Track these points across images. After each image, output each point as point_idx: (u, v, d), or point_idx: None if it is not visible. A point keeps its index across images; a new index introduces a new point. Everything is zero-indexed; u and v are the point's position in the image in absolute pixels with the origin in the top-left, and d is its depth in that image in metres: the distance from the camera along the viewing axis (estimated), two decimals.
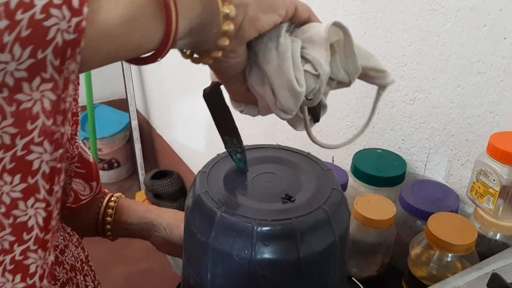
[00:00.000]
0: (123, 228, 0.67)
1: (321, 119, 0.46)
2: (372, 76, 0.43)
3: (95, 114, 2.10)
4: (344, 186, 0.73)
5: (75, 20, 0.25)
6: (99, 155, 2.24)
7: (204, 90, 0.44)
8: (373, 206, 0.63)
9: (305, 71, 0.38)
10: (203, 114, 1.61)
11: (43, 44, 0.25)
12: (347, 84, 0.42)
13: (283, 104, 0.40)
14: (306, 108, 0.43)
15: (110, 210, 0.67)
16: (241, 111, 0.45)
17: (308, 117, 0.45)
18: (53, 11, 0.24)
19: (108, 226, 0.67)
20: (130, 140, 2.30)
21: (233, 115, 0.47)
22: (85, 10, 0.25)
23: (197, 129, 1.72)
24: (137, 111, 2.20)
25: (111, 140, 2.26)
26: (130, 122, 2.18)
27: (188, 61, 0.37)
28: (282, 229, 0.42)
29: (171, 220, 0.65)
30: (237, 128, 0.48)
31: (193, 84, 1.62)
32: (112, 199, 0.68)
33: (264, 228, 0.42)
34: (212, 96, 0.45)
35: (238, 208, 0.44)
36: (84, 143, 2.25)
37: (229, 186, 0.48)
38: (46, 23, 0.24)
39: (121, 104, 2.32)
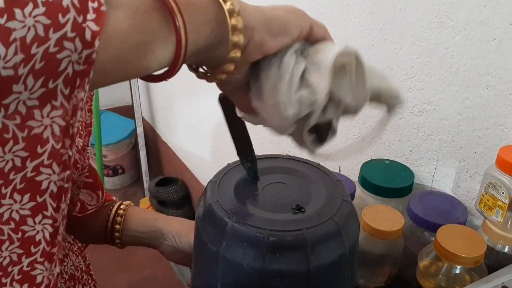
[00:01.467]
0: (132, 236, 0.67)
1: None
2: (384, 98, 0.42)
3: (101, 120, 2.11)
4: (352, 196, 0.73)
5: (86, 52, 0.26)
6: (104, 162, 2.24)
7: (220, 95, 0.45)
8: (381, 217, 0.63)
9: (301, 95, 0.37)
10: (208, 121, 1.62)
11: (55, 75, 0.26)
12: (353, 111, 0.41)
13: (272, 124, 0.40)
14: (305, 130, 0.42)
15: (119, 218, 0.67)
16: (242, 118, 0.45)
17: (308, 139, 0.43)
18: (66, 44, 0.25)
19: (117, 234, 0.67)
20: (135, 146, 2.31)
21: (245, 123, 0.47)
22: (97, 43, 0.26)
23: (202, 136, 1.73)
24: (142, 118, 2.21)
25: (116, 146, 2.26)
26: (135, 129, 2.19)
27: None
28: (293, 239, 0.42)
29: (180, 229, 0.66)
30: (249, 136, 0.49)
31: (199, 91, 1.62)
32: (121, 207, 0.69)
33: (275, 239, 0.42)
34: (226, 102, 0.45)
35: (249, 218, 0.44)
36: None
37: (240, 195, 0.48)
38: (59, 56, 0.25)
39: (127, 111, 2.33)
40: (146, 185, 2.22)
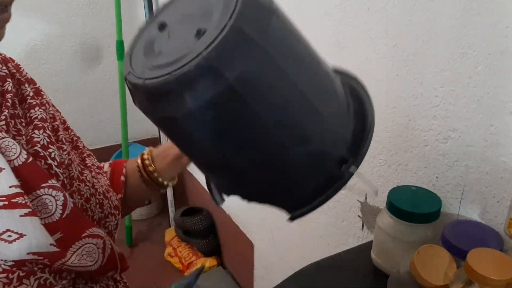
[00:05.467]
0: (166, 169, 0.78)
1: None
2: None
3: (129, 152, 2.17)
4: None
5: None
6: None
7: None
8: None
9: None
10: None
11: None
12: None
13: None
14: None
15: (147, 162, 0.77)
16: None
17: None
18: None
19: (155, 174, 0.77)
20: None
21: None
22: None
23: None
24: None
25: None
26: None
27: None
28: (197, 69, 0.39)
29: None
30: None
31: None
32: (145, 156, 0.78)
33: (184, 77, 0.39)
34: None
35: (156, 71, 0.42)
36: None
37: (148, 53, 0.46)
38: None
39: (154, 143, 2.40)
40: (171, 215, 2.25)
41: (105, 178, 0.75)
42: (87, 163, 0.70)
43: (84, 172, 0.65)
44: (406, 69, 0.82)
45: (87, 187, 0.62)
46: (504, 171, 0.69)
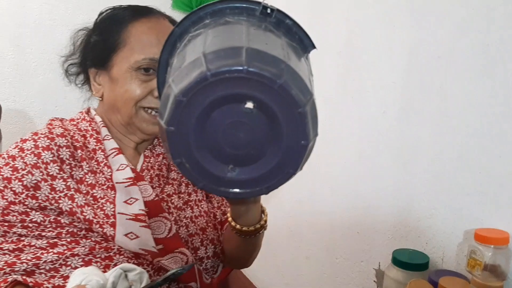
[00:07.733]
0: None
1: None
2: None
3: None
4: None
5: None
6: None
7: None
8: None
9: None
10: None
11: None
12: None
13: None
14: None
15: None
16: None
17: None
18: None
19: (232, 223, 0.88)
20: None
21: None
22: None
23: None
24: None
25: None
26: None
27: None
28: None
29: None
30: None
31: None
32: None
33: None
34: None
35: None
36: None
37: None
38: None
39: None
40: None
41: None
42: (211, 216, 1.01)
43: (194, 214, 0.96)
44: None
45: (192, 223, 0.95)
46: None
